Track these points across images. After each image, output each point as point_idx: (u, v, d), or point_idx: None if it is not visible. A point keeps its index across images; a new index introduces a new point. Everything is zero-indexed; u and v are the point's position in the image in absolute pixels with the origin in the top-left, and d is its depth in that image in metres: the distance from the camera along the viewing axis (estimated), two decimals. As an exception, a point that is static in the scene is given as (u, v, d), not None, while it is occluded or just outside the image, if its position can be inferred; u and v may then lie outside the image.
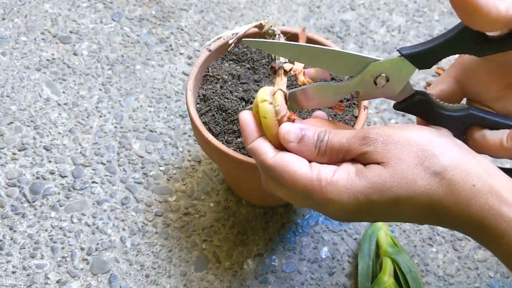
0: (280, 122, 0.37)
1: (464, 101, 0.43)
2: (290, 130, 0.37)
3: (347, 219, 0.38)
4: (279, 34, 0.43)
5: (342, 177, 0.35)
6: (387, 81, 0.38)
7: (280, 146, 0.38)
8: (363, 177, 0.35)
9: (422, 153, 0.35)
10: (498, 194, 0.34)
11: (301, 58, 0.39)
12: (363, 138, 0.36)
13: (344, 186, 0.35)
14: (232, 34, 0.43)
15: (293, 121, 0.38)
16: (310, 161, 0.37)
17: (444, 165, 0.34)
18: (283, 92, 0.39)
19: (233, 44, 0.43)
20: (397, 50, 0.37)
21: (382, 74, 0.38)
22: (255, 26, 0.43)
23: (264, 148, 0.38)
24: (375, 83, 0.38)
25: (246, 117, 0.39)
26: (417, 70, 0.38)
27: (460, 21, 0.35)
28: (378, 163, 0.35)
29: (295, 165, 0.36)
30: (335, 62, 0.38)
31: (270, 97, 0.38)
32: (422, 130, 0.36)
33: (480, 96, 0.41)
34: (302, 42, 0.44)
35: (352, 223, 0.61)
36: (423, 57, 0.37)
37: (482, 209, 0.34)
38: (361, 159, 0.36)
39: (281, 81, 0.40)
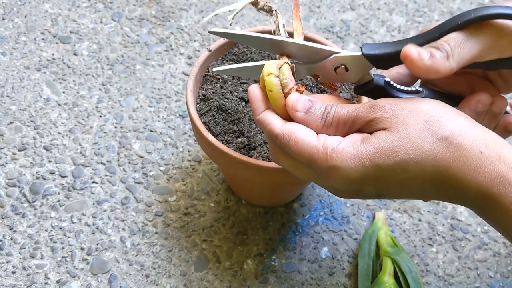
0: (287, 95, 0.38)
1: (418, 83, 0.45)
2: (299, 99, 0.37)
3: (351, 192, 0.37)
4: (276, 10, 0.43)
5: (348, 145, 0.35)
6: (346, 71, 0.40)
7: (287, 118, 0.38)
8: (369, 143, 0.35)
9: (429, 118, 0.35)
10: (507, 162, 0.34)
11: (268, 49, 0.41)
12: (371, 106, 0.36)
13: (350, 153, 0.35)
14: (229, 11, 0.44)
15: (301, 92, 0.38)
16: (317, 133, 0.37)
17: (452, 130, 0.34)
18: (290, 65, 0.39)
19: (232, 21, 0.44)
20: (360, 47, 0.39)
21: (342, 66, 0.40)
22: (251, 3, 0.43)
23: (272, 118, 0.38)
24: (335, 71, 0.40)
25: (254, 90, 0.39)
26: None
27: (419, 30, 0.37)
28: (385, 129, 0.35)
29: (302, 134, 0.36)
30: (299, 52, 0.41)
31: (276, 70, 0.38)
32: (429, 101, 0.36)
33: (432, 79, 0.42)
34: (296, 9, 0.44)
35: (350, 225, 0.61)
36: (382, 59, 0.38)
37: (490, 176, 0.33)
38: (368, 127, 0.36)
39: (279, 21, 0.41)
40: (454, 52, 0.35)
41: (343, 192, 0.38)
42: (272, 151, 0.40)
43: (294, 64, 0.40)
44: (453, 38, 0.36)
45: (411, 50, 0.35)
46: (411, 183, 0.35)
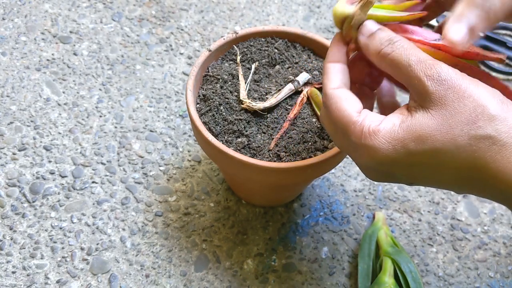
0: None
1: None
2: (367, 24, 0.37)
3: (381, 174, 0.36)
4: None
5: (385, 127, 0.34)
6: None
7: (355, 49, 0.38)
8: (406, 128, 0.33)
9: (479, 110, 0.32)
10: None
11: None
12: (431, 68, 0.33)
13: (384, 136, 0.34)
14: None
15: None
16: (369, 67, 0.36)
17: (499, 129, 0.32)
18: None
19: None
20: None
21: None
22: None
23: (332, 76, 0.37)
24: None
25: (336, 36, 0.38)
26: None
27: None
28: (429, 109, 0.33)
29: (346, 104, 0.36)
30: None
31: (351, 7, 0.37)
32: (489, 90, 0.34)
33: None
34: None
35: (350, 225, 0.61)
36: None
37: None
38: (416, 96, 0.34)
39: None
40: (503, 3, 0.34)
41: (372, 172, 0.37)
42: (322, 108, 0.40)
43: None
44: None
45: (450, 36, 0.34)
46: (442, 173, 0.34)
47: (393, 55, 0.35)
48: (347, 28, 0.38)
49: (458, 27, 0.35)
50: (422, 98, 0.34)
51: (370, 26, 0.37)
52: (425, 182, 0.36)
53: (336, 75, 0.38)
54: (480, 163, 0.32)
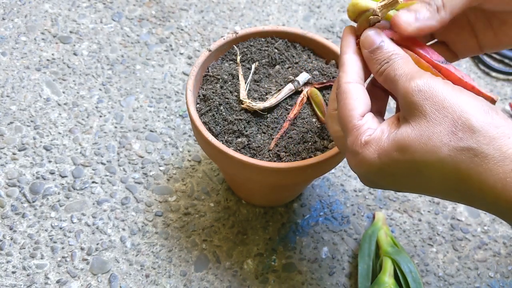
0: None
1: None
2: (369, 35, 0.37)
3: (370, 181, 0.37)
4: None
5: (374, 138, 0.35)
6: None
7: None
8: (392, 139, 0.34)
9: (460, 121, 0.32)
10: None
11: None
12: (412, 80, 0.34)
13: (372, 146, 0.35)
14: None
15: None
16: (374, 73, 0.37)
17: (481, 141, 0.31)
18: None
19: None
20: None
21: None
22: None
23: (348, 69, 0.38)
24: None
25: (347, 28, 0.39)
26: None
27: None
28: (410, 121, 0.33)
29: (354, 103, 0.36)
30: None
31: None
32: (473, 99, 0.33)
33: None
34: None
35: (350, 225, 0.61)
36: None
37: None
38: (401, 104, 0.35)
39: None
40: (445, 3, 0.35)
41: (363, 178, 0.37)
42: (330, 100, 0.40)
43: None
44: None
45: (398, 20, 0.36)
46: (427, 183, 0.34)
47: (386, 72, 0.36)
48: (363, 22, 0.38)
49: (407, 15, 0.36)
50: (405, 110, 0.34)
51: (373, 39, 0.37)
52: (413, 190, 0.36)
53: (352, 68, 0.38)
54: (463, 175, 0.32)
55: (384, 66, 0.36)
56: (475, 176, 0.32)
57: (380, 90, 0.42)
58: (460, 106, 0.32)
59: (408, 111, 0.34)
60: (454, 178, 0.32)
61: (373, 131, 0.35)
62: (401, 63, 0.36)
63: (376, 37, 0.37)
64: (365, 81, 0.39)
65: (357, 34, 0.39)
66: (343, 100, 0.37)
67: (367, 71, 0.39)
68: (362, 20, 0.38)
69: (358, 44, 0.38)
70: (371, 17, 0.37)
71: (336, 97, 0.38)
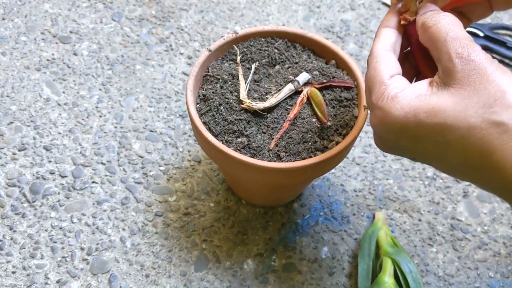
0: None
1: None
2: (427, 4, 0.38)
3: (387, 142, 0.37)
4: None
5: (403, 95, 0.34)
6: None
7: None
8: (422, 99, 0.34)
9: (498, 95, 0.32)
10: None
11: None
12: (464, 47, 0.34)
13: (399, 102, 0.34)
14: None
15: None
16: (415, 40, 0.38)
17: None
18: None
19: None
20: None
21: None
22: None
23: (383, 38, 0.39)
24: None
25: (393, 5, 0.40)
26: None
27: None
28: (449, 87, 0.33)
29: (384, 66, 0.37)
30: None
31: None
32: None
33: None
34: None
35: (350, 225, 0.61)
36: None
37: None
38: (443, 68, 0.35)
39: None
40: None
41: (381, 140, 0.37)
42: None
43: None
44: None
45: None
46: (448, 153, 0.34)
47: (433, 29, 0.36)
48: None
49: None
50: (447, 75, 0.34)
51: (428, 7, 0.38)
52: (429, 160, 0.36)
53: (387, 38, 0.39)
54: (487, 149, 0.32)
55: (431, 21, 0.36)
56: (499, 153, 0.32)
57: (410, 67, 0.42)
58: (503, 84, 0.32)
59: (451, 76, 0.33)
60: (478, 151, 0.32)
61: (402, 89, 0.35)
62: (451, 24, 0.36)
63: (431, 6, 0.38)
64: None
65: (402, 11, 0.40)
66: (373, 64, 0.37)
67: (400, 51, 0.40)
68: None
69: (399, 22, 0.40)
70: None
71: (367, 63, 0.39)
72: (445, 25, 0.35)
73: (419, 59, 0.41)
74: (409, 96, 0.34)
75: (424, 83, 0.35)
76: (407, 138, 0.35)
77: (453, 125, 0.32)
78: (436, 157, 0.35)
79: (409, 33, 0.41)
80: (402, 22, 0.40)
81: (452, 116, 0.32)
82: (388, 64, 0.37)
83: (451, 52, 0.34)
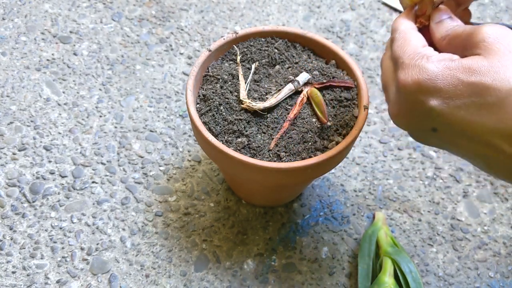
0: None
1: None
2: (440, 10, 0.40)
3: (411, 110, 0.36)
4: None
5: (440, 57, 0.35)
6: None
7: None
8: (458, 61, 0.34)
9: None
10: None
11: None
12: (484, 27, 0.35)
13: (437, 60, 0.34)
14: None
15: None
16: (436, 45, 0.39)
17: None
18: None
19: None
20: None
21: None
22: None
23: (404, 18, 0.40)
24: None
25: (408, 9, 0.41)
26: None
27: None
28: (480, 54, 0.34)
29: (414, 38, 0.37)
30: None
31: None
32: None
33: None
34: None
35: (350, 225, 0.61)
36: None
37: None
38: (472, 47, 0.35)
39: None
40: None
41: (403, 106, 0.36)
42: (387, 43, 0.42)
43: None
44: None
45: None
46: (480, 113, 0.32)
47: (451, 35, 0.37)
48: (427, 2, 0.40)
49: None
50: (474, 49, 0.34)
51: (442, 13, 0.40)
52: (454, 130, 0.34)
53: (409, 22, 0.40)
54: None
55: (449, 31, 0.38)
56: None
57: None
58: None
59: (478, 47, 0.34)
60: None
61: (436, 53, 0.36)
62: (465, 26, 0.37)
63: (446, 11, 0.40)
64: None
65: (418, 14, 0.41)
66: (402, 36, 0.38)
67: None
68: (427, 0, 0.40)
69: (416, 22, 0.41)
70: None
71: (391, 40, 0.39)
72: (462, 27, 0.37)
73: None
74: (445, 59, 0.34)
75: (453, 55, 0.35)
76: (441, 98, 0.34)
77: (492, 85, 0.32)
78: (465, 122, 0.33)
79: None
80: (417, 25, 0.41)
81: (490, 76, 0.32)
82: (418, 37, 0.38)
83: (474, 33, 0.35)
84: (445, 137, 0.35)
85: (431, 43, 0.40)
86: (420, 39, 0.38)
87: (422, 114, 0.35)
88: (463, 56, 0.35)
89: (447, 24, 0.39)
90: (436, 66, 0.34)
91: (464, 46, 0.35)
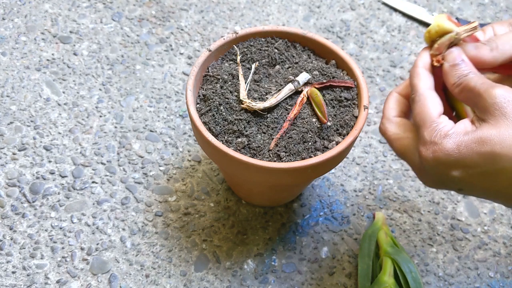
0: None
1: None
2: (454, 51, 0.42)
3: (435, 177, 0.40)
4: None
5: (454, 132, 0.38)
6: None
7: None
8: (471, 134, 0.37)
9: None
10: None
11: None
12: (495, 88, 0.38)
13: (452, 137, 0.38)
14: None
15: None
16: (448, 88, 0.41)
17: None
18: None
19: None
20: None
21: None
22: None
23: (424, 77, 0.42)
24: None
25: (425, 48, 0.43)
26: None
27: None
28: (488, 120, 0.37)
29: (432, 104, 0.40)
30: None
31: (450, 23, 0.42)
32: None
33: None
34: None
35: (350, 225, 0.61)
36: None
37: None
38: (482, 110, 0.38)
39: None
40: (498, 46, 0.41)
41: (428, 174, 0.40)
42: (386, 108, 0.45)
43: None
44: (502, 35, 0.41)
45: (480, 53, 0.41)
46: (498, 179, 0.37)
47: (465, 83, 0.40)
48: (444, 42, 0.42)
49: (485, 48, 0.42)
50: (483, 112, 0.38)
51: (456, 55, 0.41)
52: (478, 189, 0.39)
53: (427, 77, 0.42)
54: None
55: (462, 79, 0.40)
56: None
57: (445, 102, 0.46)
58: None
59: (488, 112, 0.37)
60: None
61: (451, 127, 0.39)
62: (477, 77, 0.40)
63: (459, 54, 0.42)
64: None
65: (434, 54, 0.43)
66: (422, 101, 0.41)
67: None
68: (445, 40, 0.42)
69: (432, 62, 0.43)
70: (454, 38, 0.42)
71: (413, 100, 0.42)
72: (473, 79, 0.40)
73: (442, 98, 0.43)
74: (459, 133, 0.38)
75: (467, 122, 0.39)
76: (460, 169, 0.38)
77: (501, 153, 0.36)
78: (485, 185, 0.38)
79: (435, 74, 0.43)
80: (435, 63, 0.43)
81: (498, 144, 0.36)
82: (435, 102, 0.40)
83: (482, 94, 0.38)
84: (471, 193, 0.41)
85: (444, 84, 0.43)
86: (436, 106, 0.40)
87: (447, 180, 0.39)
88: (473, 108, 0.40)
89: (460, 69, 0.41)
90: (453, 142, 0.38)
91: (475, 104, 0.39)
